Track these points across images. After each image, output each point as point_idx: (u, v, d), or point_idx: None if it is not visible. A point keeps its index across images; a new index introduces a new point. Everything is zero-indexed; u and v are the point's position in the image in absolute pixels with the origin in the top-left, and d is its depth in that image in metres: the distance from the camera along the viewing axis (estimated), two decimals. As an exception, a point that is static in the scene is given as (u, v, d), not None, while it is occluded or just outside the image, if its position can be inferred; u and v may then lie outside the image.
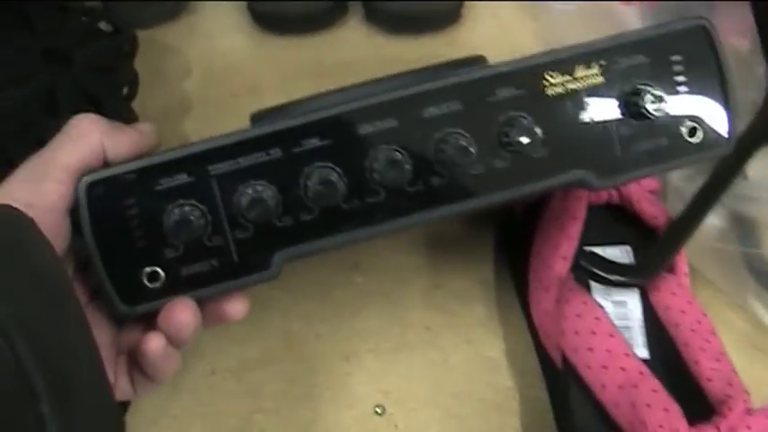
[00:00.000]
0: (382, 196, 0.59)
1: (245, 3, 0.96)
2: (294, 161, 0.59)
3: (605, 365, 0.69)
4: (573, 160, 0.61)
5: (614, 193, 0.80)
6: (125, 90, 0.85)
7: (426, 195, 0.60)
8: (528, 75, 0.60)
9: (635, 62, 0.61)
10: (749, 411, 0.67)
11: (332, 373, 0.78)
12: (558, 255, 0.75)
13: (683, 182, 0.81)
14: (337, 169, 0.58)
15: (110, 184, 0.58)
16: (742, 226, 0.81)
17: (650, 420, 0.65)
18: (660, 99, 0.61)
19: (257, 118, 0.66)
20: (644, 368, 0.69)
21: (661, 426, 0.65)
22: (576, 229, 0.76)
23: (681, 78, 0.62)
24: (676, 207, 0.79)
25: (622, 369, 0.69)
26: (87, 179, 0.58)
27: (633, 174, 0.62)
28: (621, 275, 0.74)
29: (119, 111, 0.82)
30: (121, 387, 0.62)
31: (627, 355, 0.69)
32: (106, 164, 0.60)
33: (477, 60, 0.69)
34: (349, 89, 0.65)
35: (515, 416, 0.76)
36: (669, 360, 0.73)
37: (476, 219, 0.85)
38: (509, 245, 0.83)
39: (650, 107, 0.60)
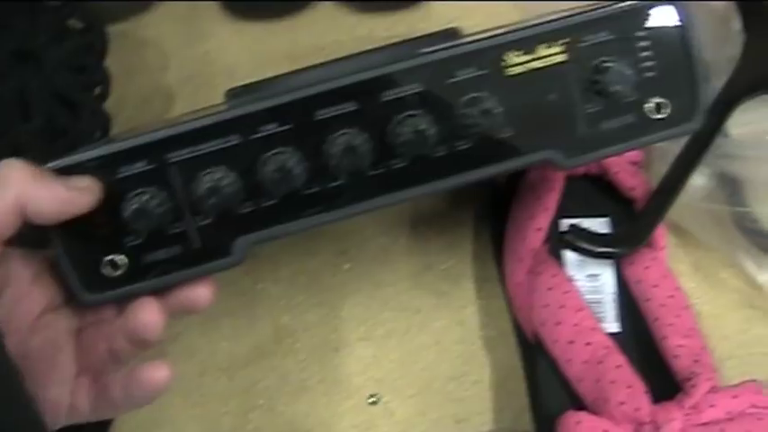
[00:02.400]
0: (343, 180, 0.58)
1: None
2: (252, 147, 0.57)
3: (572, 340, 0.68)
4: (538, 140, 0.60)
5: (593, 167, 0.78)
6: (97, 90, 0.84)
7: (388, 179, 0.59)
8: (488, 55, 0.58)
9: (599, 39, 0.60)
10: (714, 389, 0.65)
11: (324, 364, 0.77)
12: (533, 226, 0.74)
13: (668, 143, 0.80)
14: (296, 154, 0.57)
15: (72, 172, 0.57)
16: (728, 185, 0.80)
17: (613, 397, 0.65)
18: (625, 76, 0.59)
19: (233, 96, 0.67)
20: (610, 343, 0.68)
21: (623, 403, 0.64)
22: (552, 201, 0.75)
23: (646, 54, 0.60)
24: (662, 170, 0.78)
25: (588, 344, 0.68)
26: (50, 166, 0.56)
27: (600, 152, 0.61)
28: (606, 246, 0.73)
29: (91, 112, 0.80)
30: (78, 407, 0.58)
31: (594, 329, 0.69)
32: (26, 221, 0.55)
33: (450, 33, 0.68)
34: (309, 71, 0.64)
35: (515, 395, 0.75)
36: (640, 335, 0.72)
37: (459, 191, 0.83)
38: (492, 216, 0.82)
39: (615, 84, 0.59)
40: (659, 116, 0.61)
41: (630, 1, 0.61)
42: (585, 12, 0.60)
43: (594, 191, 0.78)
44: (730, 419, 0.65)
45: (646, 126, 0.61)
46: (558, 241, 0.73)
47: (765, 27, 0.84)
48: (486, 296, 0.80)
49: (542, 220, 0.74)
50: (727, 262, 0.81)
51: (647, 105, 0.61)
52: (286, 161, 0.57)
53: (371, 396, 0.75)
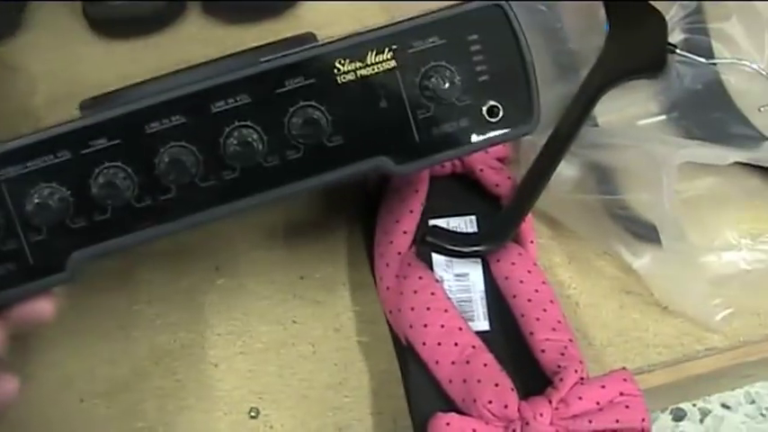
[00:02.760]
0: (175, 193, 0.58)
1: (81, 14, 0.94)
2: (83, 163, 0.57)
3: (440, 342, 0.68)
4: (369, 147, 0.60)
5: (458, 162, 0.79)
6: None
7: (221, 190, 0.59)
8: (318, 64, 0.59)
9: (430, 45, 0.60)
10: (582, 381, 0.66)
11: (203, 382, 0.77)
12: (399, 229, 0.74)
13: (535, 135, 0.80)
14: (127, 168, 0.57)
15: None
16: (598, 174, 0.81)
17: (480, 396, 0.65)
18: (456, 80, 0.60)
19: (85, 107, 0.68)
20: (478, 342, 0.69)
21: (491, 401, 0.64)
22: (417, 203, 0.75)
23: (479, 58, 0.61)
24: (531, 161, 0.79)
25: (456, 344, 0.68)
26: None
27: (434, 157, 0.62)
28: (470, 245, 0.73)
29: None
30: None
31: (461, 329, 0.69)
32: None
33: (305, 38, 0.68)
34: (159, 81, 0.64)
35: (394, 398, 0.75)
36: (509, 332, 0.72)
37: (331, 199, 0.84)
38: (364, 222, 0.82)
39: (446, 90, 0.59)
40: (494, 119, 0.62)
41: (461, 4, 0.61)
42: (417, 17, 0.60)
43: (461, 189, 0.79)
44: (599, 410, 0.65)
45: (481, 129, 0.62)
46: (421, 243, 0.72)
47: (628, 17, 0.85)
48: (362, 302, 0.80)
49: (408, 223, 0.75)
50: (602, 250, 0.82)
51: (481, 109, 0.61)
52: (116, 175, 0.57)
53: (251, 410, 0.75)
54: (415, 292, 0.71)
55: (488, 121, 0.62)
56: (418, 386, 0.70)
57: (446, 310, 0.70)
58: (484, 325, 0.73)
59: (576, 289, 0.81)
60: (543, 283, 0.73)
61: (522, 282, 0.72)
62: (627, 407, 0.65)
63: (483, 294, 0.74)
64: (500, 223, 0.74)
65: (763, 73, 0.90)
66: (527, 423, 0.64)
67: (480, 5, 0.60)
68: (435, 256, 0.75)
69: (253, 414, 0.75)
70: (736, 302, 0.80)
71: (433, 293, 0.71)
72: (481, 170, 0.77)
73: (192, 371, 0.77)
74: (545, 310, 0.71)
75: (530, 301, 0.71)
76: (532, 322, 0.70)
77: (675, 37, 0.90)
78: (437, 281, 0.73)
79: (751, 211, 0.85)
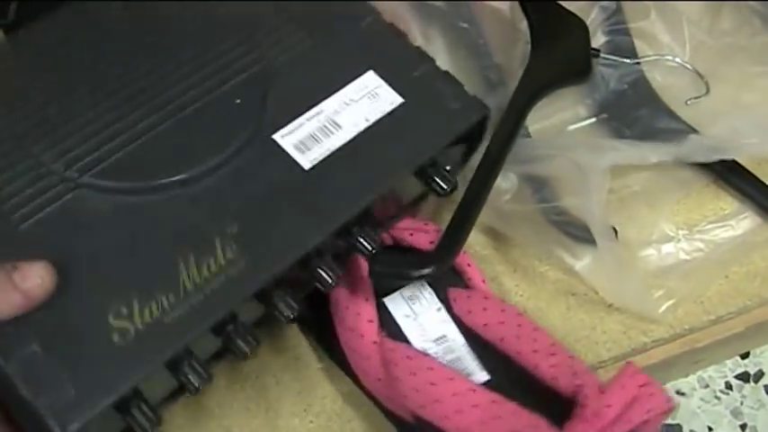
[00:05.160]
0: None
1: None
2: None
3: (459, 409, 0.67)
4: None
5: (386, 236, 0.78)
6: None
7: None
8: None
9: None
10: (602, 390, 0.67)
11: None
12: (364, 320, 0.74)
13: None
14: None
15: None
16: (532, 183, 0.83)
17: None
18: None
19: None
20: (495, 396, 0.68)
21: None
22: (368, 289, 0.74)
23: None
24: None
25: (475, 406, 0.67)
26: None
27: None
28: (419, 268, 0.73)
29: None
30: None
31: (473, 390, 0.69)
32: None
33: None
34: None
35: (355, 420, 0.78)
36: (511, 375, 0.72)
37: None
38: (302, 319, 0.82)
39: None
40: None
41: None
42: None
43: (400, 257, 0.79)
44: (629, 408, 0.66)
45: None
46: (370, 277, 0.73)
47: (550, 26, 0.87)
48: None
49: (368, 312, 0.74)
50: (544, 256, 0.85)
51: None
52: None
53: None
54: (412, 373, 0.70)
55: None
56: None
57: (451, 379, 0.70)
58: (484, 376, 0.74)
59: (522, 296, 0.84)
60: (519, 315, 0.74)
61: (502, 323, 0.73)
62: (651, 395, 0.67)
63: (468, 348, 0.75)
64: (444, 243, 0.74)
65: (687, 66, 0.92)
66: (573, 449, 0.65)
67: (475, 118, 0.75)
68: (409, 334, 0.76)
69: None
70: (677, 292, 0.83)
71: (430, 368, 0.70)
72: (411, 234, 0.78)
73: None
74: (535, 340, 0.71)
75: (518, 337, 0.72)
76: (531, 356, 0.71)
77: (598, 40, 0.92)
78: (426, 354, 0.73)
79: (686, 203, 0.89)
